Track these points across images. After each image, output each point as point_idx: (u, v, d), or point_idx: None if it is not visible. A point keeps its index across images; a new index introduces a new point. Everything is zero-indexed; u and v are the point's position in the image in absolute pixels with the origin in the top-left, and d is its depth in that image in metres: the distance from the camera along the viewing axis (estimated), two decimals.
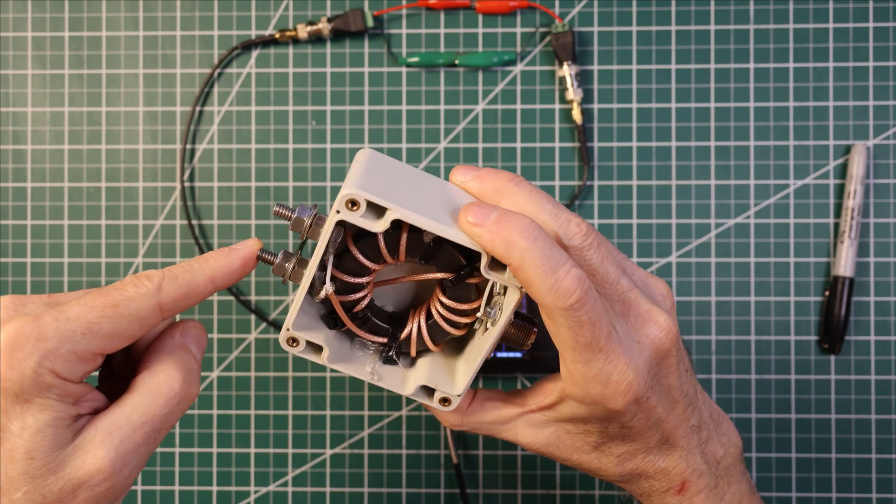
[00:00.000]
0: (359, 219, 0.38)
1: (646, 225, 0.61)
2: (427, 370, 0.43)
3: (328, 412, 0.62)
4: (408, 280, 0.44)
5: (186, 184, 0.63)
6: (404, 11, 0.62)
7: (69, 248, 0.63)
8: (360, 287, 0.42)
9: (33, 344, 0.34)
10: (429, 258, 0.41)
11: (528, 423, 0.44)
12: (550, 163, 0.62)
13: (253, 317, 0.62)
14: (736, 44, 0.61)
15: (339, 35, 0.62)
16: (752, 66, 0.61)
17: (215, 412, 0.62)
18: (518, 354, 0.59)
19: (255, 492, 0.62)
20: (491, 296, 0.42)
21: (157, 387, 0.37)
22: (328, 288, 0.40)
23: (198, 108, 0.63)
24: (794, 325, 0.61)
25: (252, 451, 0.62)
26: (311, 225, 0.40)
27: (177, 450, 0.63)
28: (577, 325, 0.38)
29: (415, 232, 0.40)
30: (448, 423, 0.45)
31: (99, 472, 0.35)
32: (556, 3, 0.62)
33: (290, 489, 0.62)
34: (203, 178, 0.63)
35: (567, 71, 0.60)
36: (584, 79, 0.62)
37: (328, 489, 0.62)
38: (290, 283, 0.62)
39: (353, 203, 0.38)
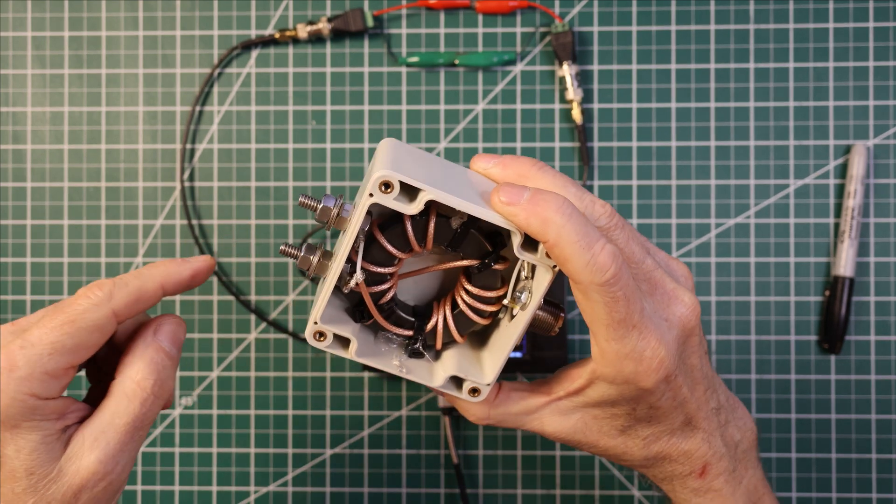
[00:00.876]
0: (392, 201, 0.37)
1: (646, 225, 0.61)
2: (455, 361, 0.43)
3: (328, 412, 0.62)
4: (434, 269, 0.43)
5: (186, 184, 0.63)
6: (404, 11, 0.62)
7: (69, 248, 0.63)
8: (385, 278, 0.42)
9: (7, 375, 0.36)
10: (455, 245, 0.41)
11: (554, 412, 0.44)
12: (550, 163, 0.62)
13: (253, 317, 0.62)
14: (736, 44, 0.61)
15: (339, 35, 0.62)
16: (752, 66, 0.61)
17: (215, 412, 0.62)
18: (518, 354, 0.59)
19: (255, 492, 0.62)
20: (518, 280, 0.41)
21: (131, 390, 0.39)
22: (359, 276, 0.40)
23: (198, 108, 0.63)
24: (794, 325, 0.61)
25: (252, 451, 0.62)
26: (337, 213, 0.40)
27: (177, 450, 0.63)
28: (613, 301, 0.38)
29: (441, 217, 0.40)
30: (474, 416, 0.44)
31: (94, 475, 0.38)
32: (556, 3, 0.62)
33: (290, 489, 0.62)
34: (203, 178, 0.63)
35: (567, 71, 0.60)
36: (584, 79, 0.62)
37: (328, 489, 0.62)
38: (291, 280, 0.62)
39: (386, 185, 0.37)
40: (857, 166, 0.60)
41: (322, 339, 0.41)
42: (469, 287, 0.42)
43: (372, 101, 0.62)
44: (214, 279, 0.62)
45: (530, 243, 0.39)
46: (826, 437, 0.61)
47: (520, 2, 0.61)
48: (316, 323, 0.40)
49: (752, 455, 0.47)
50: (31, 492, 0.37)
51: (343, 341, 0.42)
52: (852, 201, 0.60)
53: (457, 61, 0.61)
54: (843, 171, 0.61)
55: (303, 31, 0.61)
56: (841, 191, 0.61)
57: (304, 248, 0.41)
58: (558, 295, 0.57)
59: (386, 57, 0.62)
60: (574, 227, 0.37)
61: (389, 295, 0.42)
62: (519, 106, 0.62)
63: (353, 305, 0.43)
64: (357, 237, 0.39)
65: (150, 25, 0.63)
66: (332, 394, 0.62)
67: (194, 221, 0.62)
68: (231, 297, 0.62)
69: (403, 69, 0.62)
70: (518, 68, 0.62)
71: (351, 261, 0.40)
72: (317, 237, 0.62)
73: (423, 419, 0.62)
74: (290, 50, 0.63)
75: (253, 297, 0.62)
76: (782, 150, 0.61)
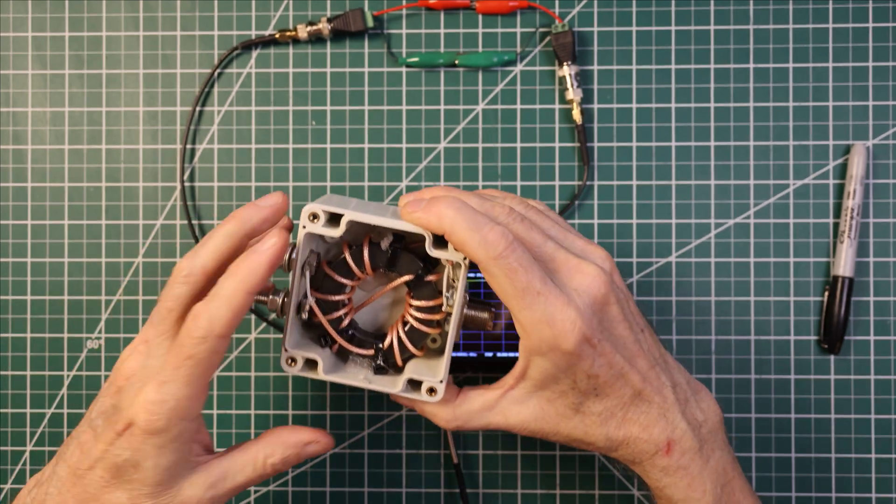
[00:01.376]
0: (320, 228, 0.45)
1: (646, 225, 0.61)
2: (413, 369, 0.49)
3: (328, 412, 0.62)
4: (381, 293, 0.50)
5: (186, 184, 0.63)
6: (404, 11, 0.62)
7: (69, 248, 0.63)
8: (340, 305, 0.48)
9: (161, 406, 0.43)
10: (391, 265, 0.47)
11: (511, 402, 0.48)
12: (550, 163, 0.62)
13: (253, 317, 0.62)
14: (736, 44, 0.61)
15: (339, 35, 0.62)
16: (751, 66, 0.61)
17: (215, 412, 0.62)
18: (517, 354, 0.59)
19: (256, 492, 0.62)
20: (449, 287, 0.47)
21: (260, 465, 0.47)
22: (310, 300, 0.47)
23: (198, 108, 0.63)
24: (794, 325, 0.61)
25: None
26: (289, 256, 0.46)
27: None
28: (511, 272, 0.43)
29: (374, 245, 0.47)
30: (443, 419, 0.48)
31: None
32: (556, 3, 0.62)
33: (290, 489, 0.62)
34: (203, 178, 0.63)
35: (567, 71, 0.60)
36: (584, 79, 0.62)
37: (328, 489, 0.62)
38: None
39: (314, 216, 0.45)
40: (857, 166, 0.60)
41: (293, 363, 0.48)
42: (413, 301, 0.48)
43: (372, 102, 0.62)
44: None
45: (441, 242, 0.46)
46: (825, 437, 0.61)
47: (520, 2, 0.61)
48: (286, 350, 0.47)
49: (719, 436, 0.49)
50: (150, 496, 0.44)
51: (313, 365, 0.48)
52: (852, 201, 0.60)
53: (457, 61, 0.61)
54: (842, 171, 0.61)
55: (303, 32, 0.61)
56: (840, 191, 0.61)
57: (271, 294, 0.48)
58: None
59: (386, 57, 0.62)
60: (464, 216, 0.43)
61: (347, 320, 0.49)
62: (519, 106, 0.62)
63: (320, 334, 0.49)
64: (303, 267, 0.46)
65: (151, 26, 0.63)
66: (332, 394, 0.62)
67: (194, 221, 0.63)
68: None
69: (403, 69, 0.62)
70: (518, 68, 0.62)
71: (306, 287, 0.47)
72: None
73: (423, 419, 0.62)
74: (291, 50, 0.63)
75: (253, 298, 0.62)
76: (782, 150, 0.61)
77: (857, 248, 0.60)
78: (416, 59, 0.61)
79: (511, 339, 0.59)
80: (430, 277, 0.48)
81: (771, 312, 0.61)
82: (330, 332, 0.48)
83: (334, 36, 0.62)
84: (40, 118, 0.63)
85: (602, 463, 0.61)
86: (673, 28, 0.62)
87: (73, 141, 0.63)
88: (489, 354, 0.59)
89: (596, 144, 0.62)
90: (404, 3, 0.62)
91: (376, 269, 0.48)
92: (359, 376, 0.48)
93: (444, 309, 0.48)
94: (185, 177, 0.63)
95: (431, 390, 0.47)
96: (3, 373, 0.63)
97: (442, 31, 0.62)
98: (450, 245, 0.45)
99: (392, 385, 0.48)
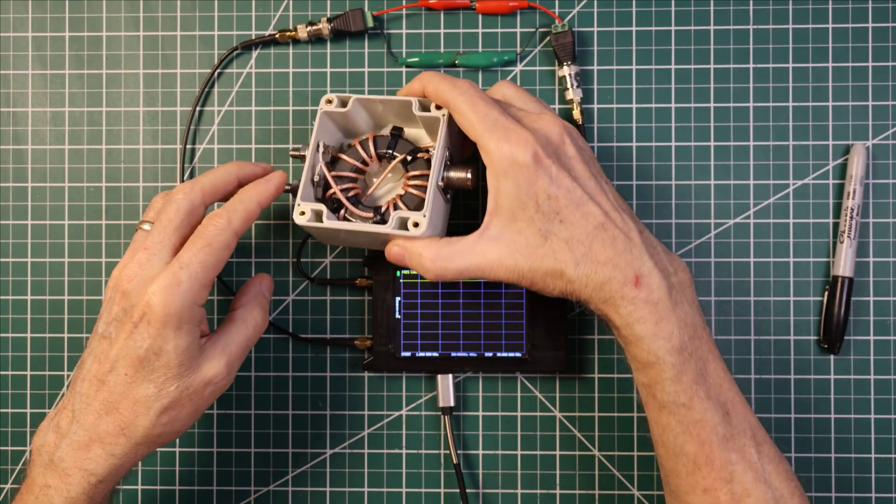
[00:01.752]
0: (334, 108, 0.55)
1: (646, 225, 0.61)
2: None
3: (328, 412, 0.62)
4: (386, 173, 0.56)
5: None
6: (404, 11, 0.62)
7: (69, 248, 0.63)
8: (348, 181, 0.56)
9: (176, 288, 0.49)
10: (392, 147, 0.56)
11: (488, 240, 0.51)
12: None
13: None
14: (735, 44, 0.62)
15: (339, 35, 0.62)
16: (751, 66, 0.61)
17: (215, 412, 0.62)
18: (518, 354, 0.59)
19: (256, 492, 0.62)
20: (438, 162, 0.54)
21: (252, 320, 0.54)
22: (321, 162, 0.55)
23: (198, 108, 0.63)
24: (794, 325, 0.61)
25: (252, 451, 0.62)
26: (311, 147, 0.55)
27: (177, 450, 0.63)
28: (473, 103, 0.50)
29: (378, 136, 0.56)
30: (427, 260, 0.51)
31: (219, 374, 0.51)
32: (556, 3, 0.62)
33: (290, 489, 0.62)
34: None
35: (567, 71, 0.60)
36: (583, 79, 0.62)
37: (328, 489, 0.62)
38: (291, 280, 0.62)
39: (329, 101, 0.55)
40: (857, 166, 0.60)
41: (303, 214, 0.53)
42: (409, 173, 0.55)
43: None
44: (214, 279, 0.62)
45: (425, 109, 0.54)
46: (825, 437, 0.61)
47: (520, 2, 0.61)
48: (300, 204, 0.54)
49: (688, 293, 0.51)
50: (176, 378, 0.50)
51: (319, 216, 0.54)
52: (851, 201, 0.60)
53: (457, 61, 0.61)
54: (842, 171, 0.61)
55: (303, 32, 0.61)
56: (840, 191, 0.61)
57: (292, 184, 0.55)
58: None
59: (386, 57, 0.62)
60: (439, 76, 0.53)
61: (352, 192, 0.56)
62: None
63: (330, 203, 0.55)
64: (317, 145, 0.55)
65: (151, 26, 0.63)
66: (332, 394, 0.62)
67: None
68: (231, 298, 0.62)
69: (403, 69, 0.62)
70: (518, 68, 0.62)
71: (318, 158, 0.55)
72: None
73: (423, 419, 0.62)
74: (291, 50, 0.63)
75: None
76: (782, 150, 0.61)
77: (857, 248, 0.60)
78: (416, 59, 0.62)
79: (511, 340, 0.59)
80: (422, 154, 0.55)
81: (771, 312, 0.61)
82: (336, 192, 0.54)
83: (334, 36, 0.62)
84: (40, 118, 0.63)
85: (602, 463, 0.61)
86: (673, 28, 0.62)
87: (73, 141, 0.63)
88: (489, 354, 0.59)
89: (596, 144, 0.62)
90: (404, 3, 0.62)
91: (381, 157, 0.56)
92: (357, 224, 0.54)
93: (431, 174, 0.54)
94: (186, 177, 0.63)
95: (416, 224, 0.52)
96: (3, 373, 0.63)
97: (442, 31, 0.62)
98: (432, 107, 0.54)
99: (385, 227, 0.53)
